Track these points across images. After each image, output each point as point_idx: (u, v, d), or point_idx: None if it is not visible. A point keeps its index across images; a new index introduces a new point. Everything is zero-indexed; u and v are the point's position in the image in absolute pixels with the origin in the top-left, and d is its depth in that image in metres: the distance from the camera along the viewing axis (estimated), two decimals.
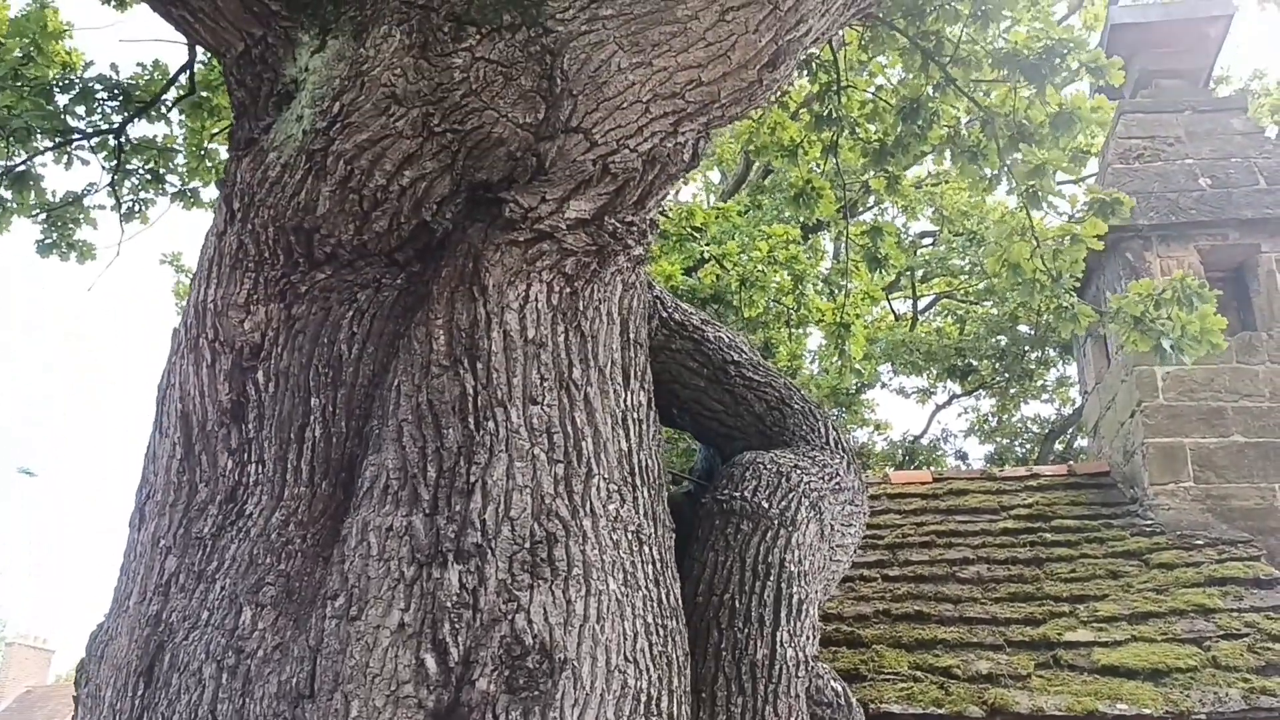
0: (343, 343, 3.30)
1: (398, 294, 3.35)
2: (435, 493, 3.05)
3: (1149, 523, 6.96)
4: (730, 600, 3.82)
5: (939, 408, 14.41)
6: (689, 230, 9.22)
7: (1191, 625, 5.85)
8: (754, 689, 3.63)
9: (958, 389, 13.85)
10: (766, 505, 4.07)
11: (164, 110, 7.04)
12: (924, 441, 14.20)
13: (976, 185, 5.97)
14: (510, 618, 2.91)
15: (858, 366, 10.01)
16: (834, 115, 6.27)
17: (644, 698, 2.96)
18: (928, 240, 13.85)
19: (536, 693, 2.82)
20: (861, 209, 14.31)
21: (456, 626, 2.88)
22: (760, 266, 8.51)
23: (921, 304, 14.87)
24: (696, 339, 5.03)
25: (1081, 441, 12.62)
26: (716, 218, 9.66)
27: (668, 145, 3.44)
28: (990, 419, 14.24)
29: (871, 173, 6.98)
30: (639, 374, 3.56)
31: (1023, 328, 11.48)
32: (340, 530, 3.12)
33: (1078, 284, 5.76)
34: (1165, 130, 8.29)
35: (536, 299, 3.31)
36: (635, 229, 3.55)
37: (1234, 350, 7.30)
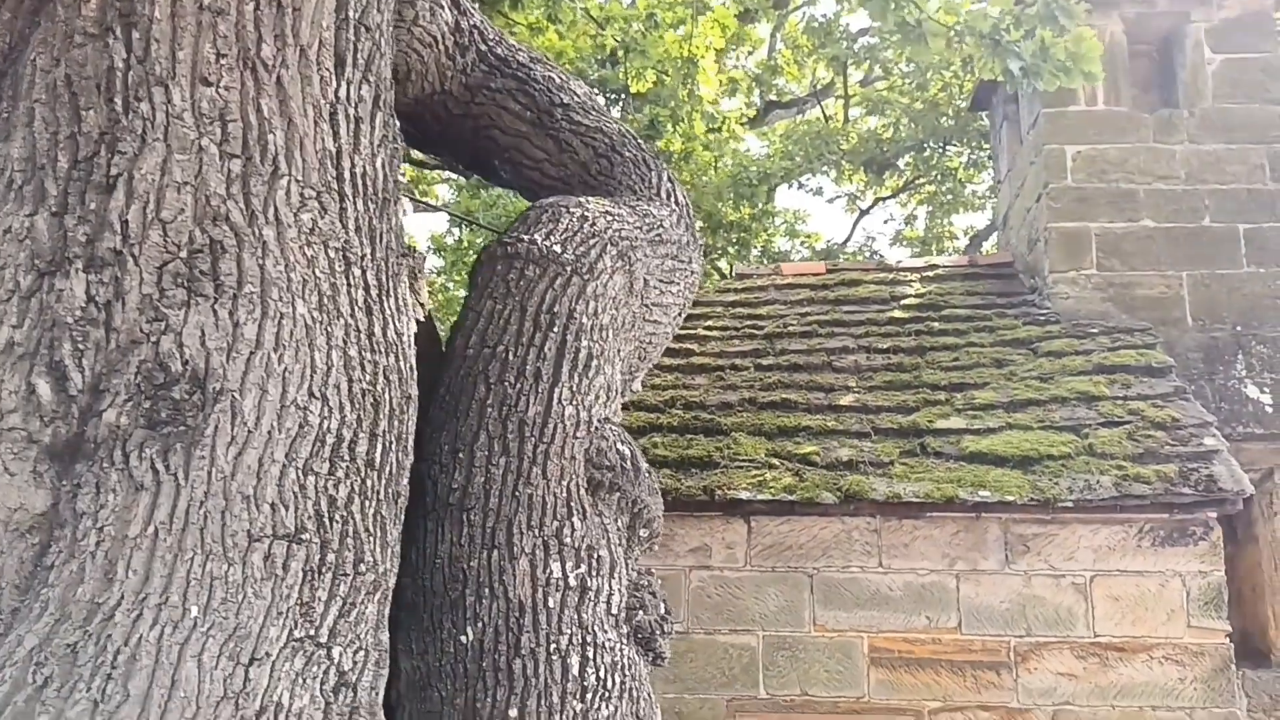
0: None
1: None
2: (66, 187, 2.41)
3: (1045, 312, 6.51)
4: (504, 353, 3.27)
5: (863, 213, 13.76)
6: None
7: (1072, 413, 5.45)
8: (520, 449, 3.12)
9: (883, 192, 13.19)
10: (560, 250, 3.48)
11: None
12: (848, 249, 13.64)
13: None
14: (154, 340, 2.32)
15: (709, 109, 9.28)
16: None
17: (331, 439, 2.42)
18: (868, 37, 12.88)
19: (182, 428, 2.27)
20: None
21: (81, 347, 2.30)
22: (640, 26, 7.63)
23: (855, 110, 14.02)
24: (521, 78, 4.32)
25: None
26: None
27: None
28: (914, 221, 13.66)
29: None
30: (361, 63, 2.89)
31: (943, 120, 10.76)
32: None
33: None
34: None
35: None
36: None
37: (1152, 129, 6.70)
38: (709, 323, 6.84)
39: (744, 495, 5.10)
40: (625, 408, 5.80)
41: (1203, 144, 6.63)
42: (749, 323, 6.77)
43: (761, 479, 5.19)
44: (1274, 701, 5.82)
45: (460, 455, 3.12)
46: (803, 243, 13.93)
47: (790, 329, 6.62)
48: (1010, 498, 4.91)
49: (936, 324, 6.49)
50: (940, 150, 11.44)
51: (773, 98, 13.99)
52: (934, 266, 7.42)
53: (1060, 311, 6.45)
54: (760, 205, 11.09)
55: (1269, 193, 6.53)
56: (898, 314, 6.68)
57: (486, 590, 2.95)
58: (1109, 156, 6.67)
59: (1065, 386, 5.64)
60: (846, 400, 5.79)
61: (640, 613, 3.15)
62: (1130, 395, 5.51)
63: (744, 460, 5.32)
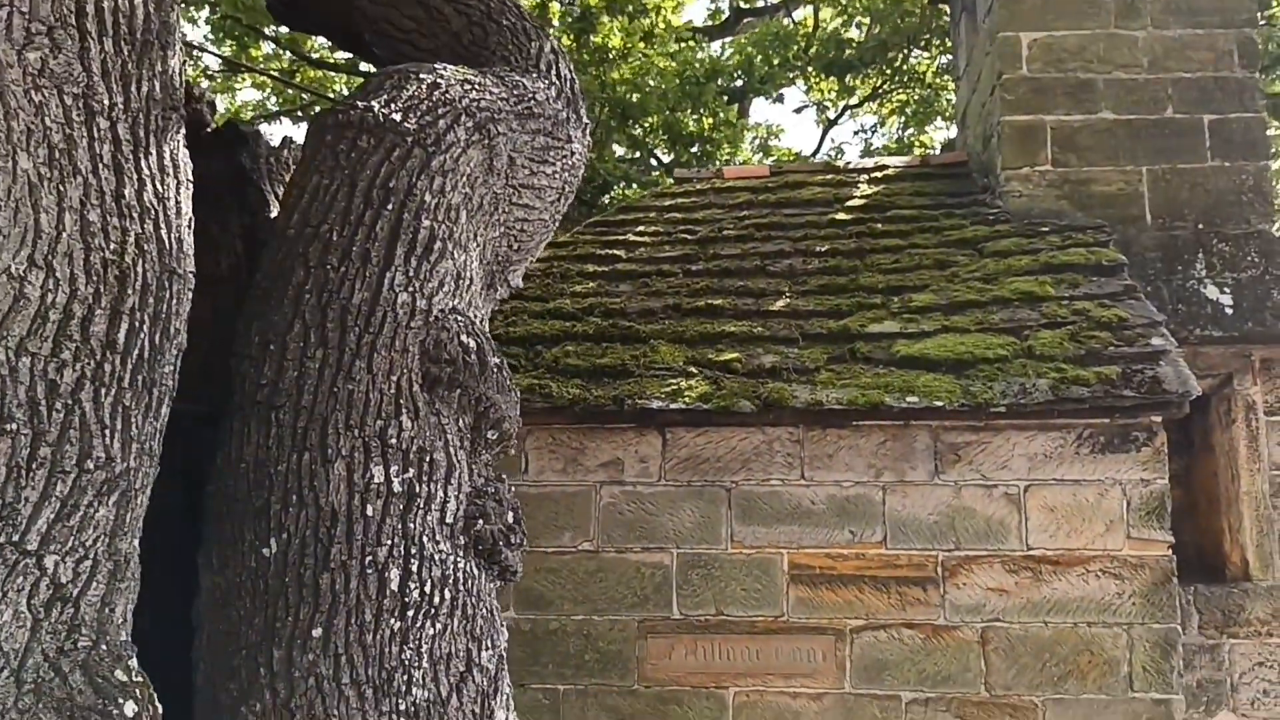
0: None
1: None
2: None
3: (995, 211, 6.10)
4: (328, 233, 2.88)
5: (831, 123, 13.23)
6: None
7: (1013, 315, 5.08)
8: (342, 340, 2.75)
9: (851, 100, 12.61)
10: (400, 119, 3.06)
11: None
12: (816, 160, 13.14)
13: None
14: None
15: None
16: None
17: (56, 316, 2.04)
18: None
19: None
20: None
21: None
22: None
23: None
24: None
25: None
26: None
27: None
28: (885, 130, 13.12)
29: None
30: None
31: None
32: None
33: None
34: None
35: None
36: None
37: (1113, 13, 6.22)
38: (640, 229, 6.43)
39: (656, 405, 4.74)
40: (537, 315, 5.43)
41: (1167, 29, 6.16)
42: (683, 228, 6.36)
43: (676, 388, 4.83)
44: (1226, 618, 5.56)
45: (271, 348, 2.75)
46: (777, 160, 13.43)
47: (725, 233, 6.21)
48: (939, 403, 4.56)
49: (880, 225, 6.09)
50: (906, 52, 10.87)
51: (742, 3, 13.36)
52: (884, 167, 6.98)
53: (1012, 211, 6.05)
54: (720, 114, 10.56)
55: (1236, 81, 6.08)
56: (840, 216, 6.27)
57: (295, 497, 2.61)
58: (1067, 44, 6.21)
59: (1008, 287, 5.26)
60: (777, 305, 5.41)
61: (481, 522, 2.80)
62: (1077, 295, 5.14)
63: (660, 369, 4.96)
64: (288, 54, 11.84)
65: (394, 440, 2.71)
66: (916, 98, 11.74)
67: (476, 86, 3.37)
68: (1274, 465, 5.56)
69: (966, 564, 4.59)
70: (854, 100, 12.84)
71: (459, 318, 2.98)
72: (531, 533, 4.79)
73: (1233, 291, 5.63)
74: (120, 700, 2.01)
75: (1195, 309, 5.64)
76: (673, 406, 4.74)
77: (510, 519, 2.89)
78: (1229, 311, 5.59)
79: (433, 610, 2.61)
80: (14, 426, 1.94)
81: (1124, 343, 4.74)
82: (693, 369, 4.94)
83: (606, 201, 10.60)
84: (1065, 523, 4.57)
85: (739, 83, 10.57)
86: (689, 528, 4.77)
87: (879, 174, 6.84)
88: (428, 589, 2.62)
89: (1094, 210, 6.00)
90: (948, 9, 8.62)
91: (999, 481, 4.64)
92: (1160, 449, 4.58)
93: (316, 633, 2.48)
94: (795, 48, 10.88)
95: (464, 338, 2.92)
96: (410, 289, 2.87)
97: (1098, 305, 5.03)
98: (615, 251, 6.11)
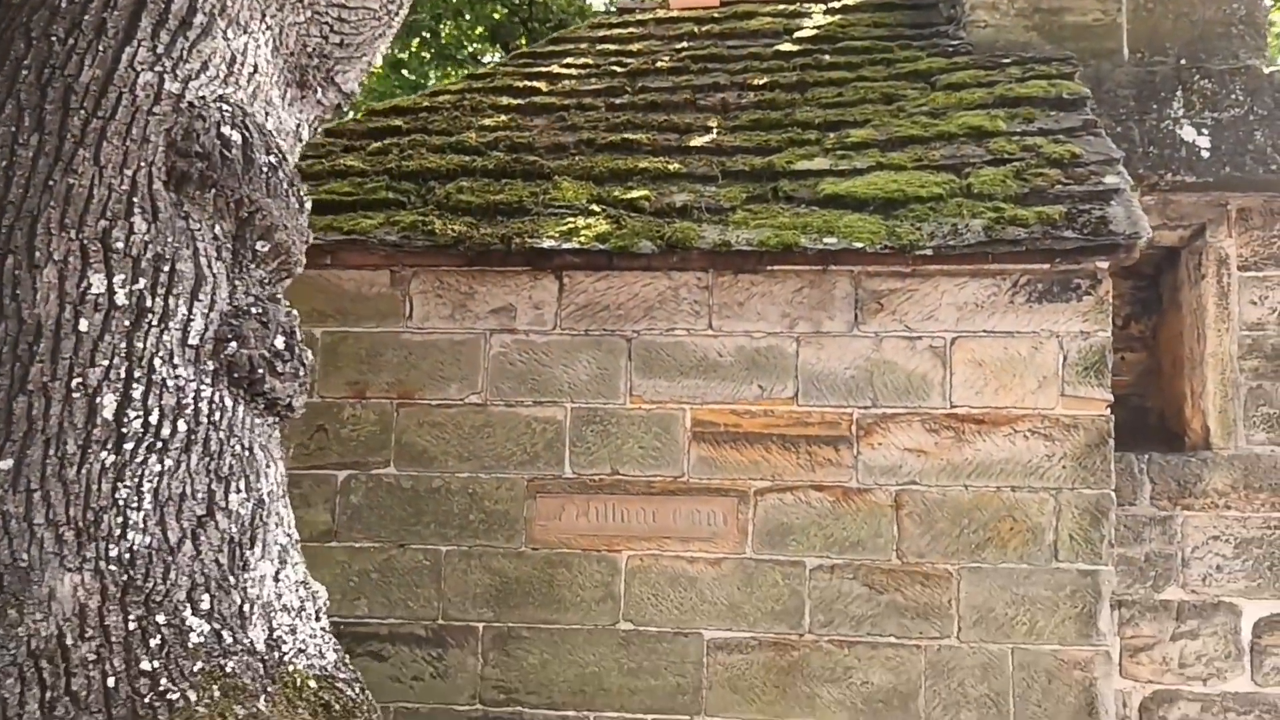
0: None
1: None
2: None
3: (956, 43, 5.48)
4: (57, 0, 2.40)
5: None
6: None
7: (956, 151, 4.54)
8: (63, 124, 2.28)
9: None
10: None
11: None
12: None
13: None
14: None
15: None
16: None
17: None
18: None
19: None
20: None
21: None
22: None
23: None
24: None
25: None
26: None
27: None
28: None
29: None
30: None
31: None
32: None
33: None
34: None
35: None
36: None
37: None
38: (568, 60, 5.85)
39: (547, 244, 4.28)
40: (437, 150, 4.94)
41: None
42: (614, 60, 5.78)
43: (573, 226, 4.36)
44: (1182, 488, 5.16)
45: None
46: None
47: (659, 65, 5.64)
48: (859, 245, 4.08)
49: (828, 58, 5.49)
50: None
51: None
52: None
53: (975, 43, 5.43)
54: None
55: None
56: (787, 47, 5.68)
57: None
58: None
59: (956, 122, 4.70)
60: (700, 141, 4.88)
61: (235, 345, 2.38)
62: (1030, 130, 4.58)
63: (560, 207, 4.47)
64: None
65: (120, 245, 2.26)
66: None
67: None
68: (1245, 325, 5.08)
69: (883, 422, 4.17)
70: None
71: (226, 107, 2.50)
72: (416, 384, 4.41)
73: (1211, 133, 5.05)
74: None
75: (1169, 152, 5.08)
76: (565, 246, 4.28)
77: (279, 344, 2.46)
78: (1205, 155, 5.02)
79: (161, 444, 2.21)
80: None
81: (1073, 180, 4.22)
82: (595, 207, 4.46)
83: None
84: (994, 379, 4.13)
85: None
86: (585, 380, 4.36)
87: (836, 3, 6.19)
88: (154, 419, 2.21)
89: (1066, 43, 5.37)
90: None
91: (924, 333, 4.19)
92: (1104, 299, 4.10)
93: (5, 465, 2.09)
94: None
95: (225, 129, 2.45)
96: (157, 68, 2.39)
97: (1050, 141, 4.49)
98: (535, 84, 5.55)
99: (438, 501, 4.37)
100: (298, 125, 3.03)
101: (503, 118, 5.25)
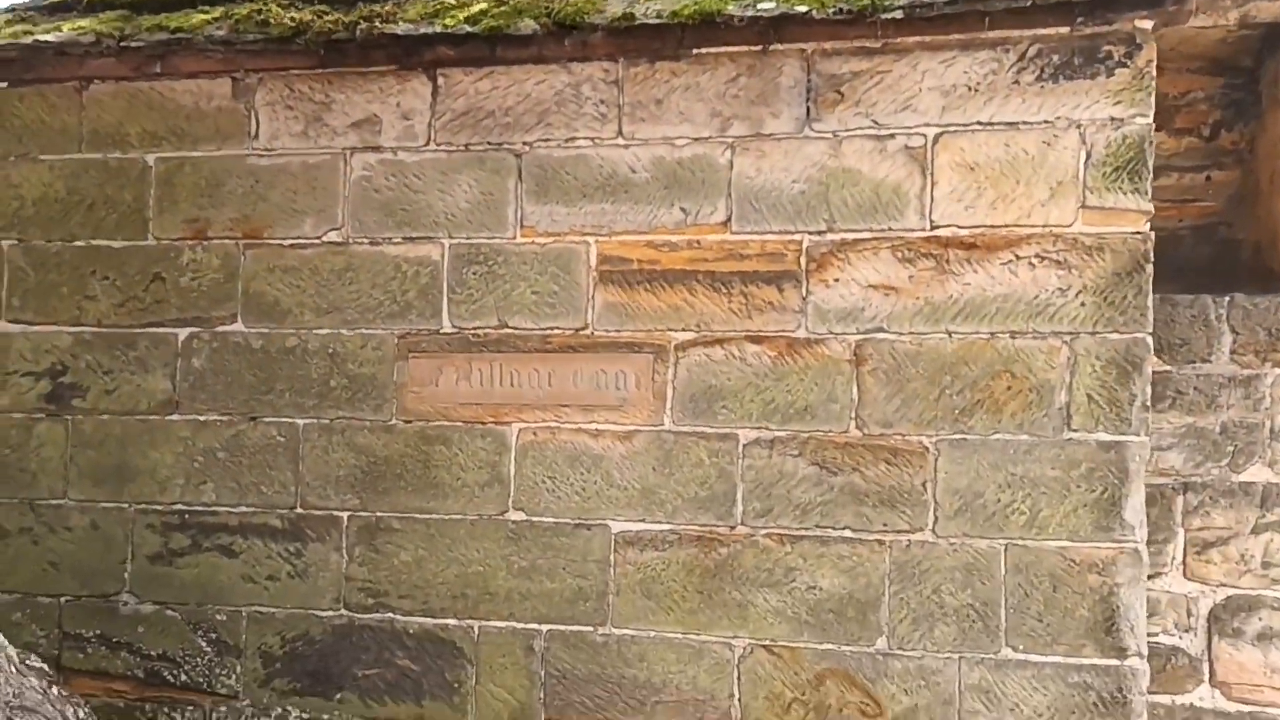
0: None
1: None
2: None
3: None
4: None
5: None
6: None
7: None
8: None
9: None
10: None
11: None
12: None
13: None
14: None
15: None
16: None
17: None
18: None
19: None
20: None
21: None
22: None
23: None
24: None
25: None
26: None
27: None
28: None
29: None
30: None
31: None
32: None
33: None
34: None
35: None
36: None
37: None
38: None
39: (403, 29, 3.31)
40: None
41: None
42: None
43: (441, 6, 3.37)
44: (1274, 339, 4.04)
45: None
46: None
47: None
48: (805, 8, 3.01)
49: None
50: None
51: None
52: None
53: None
54: None
55: None
56: None
57: None
58: None
59: None
60: None
61: None
62: None
63: None
64: None
65: None
66: None
67: None
68: None
69: (842, 251, 3.15)
70: None
71: None
72: (264, 218, 3.54)
73: None
74: None
75: None
76: (428, 31, 3.30)
77: None
78: None
79: None
80: None
81: None
82: None
83: None
84: (990, 188, 3.06)
85: None
86: (465, 209, 3.43)
87: None
88: None
89: None
90: None
91: (898, 129, 3.12)
92: (1145, 72, 2.97)
93: None
94: None
95: None
96: None
97: None
98: None
99: (293, 365, 3.53)
100: None
101: None
